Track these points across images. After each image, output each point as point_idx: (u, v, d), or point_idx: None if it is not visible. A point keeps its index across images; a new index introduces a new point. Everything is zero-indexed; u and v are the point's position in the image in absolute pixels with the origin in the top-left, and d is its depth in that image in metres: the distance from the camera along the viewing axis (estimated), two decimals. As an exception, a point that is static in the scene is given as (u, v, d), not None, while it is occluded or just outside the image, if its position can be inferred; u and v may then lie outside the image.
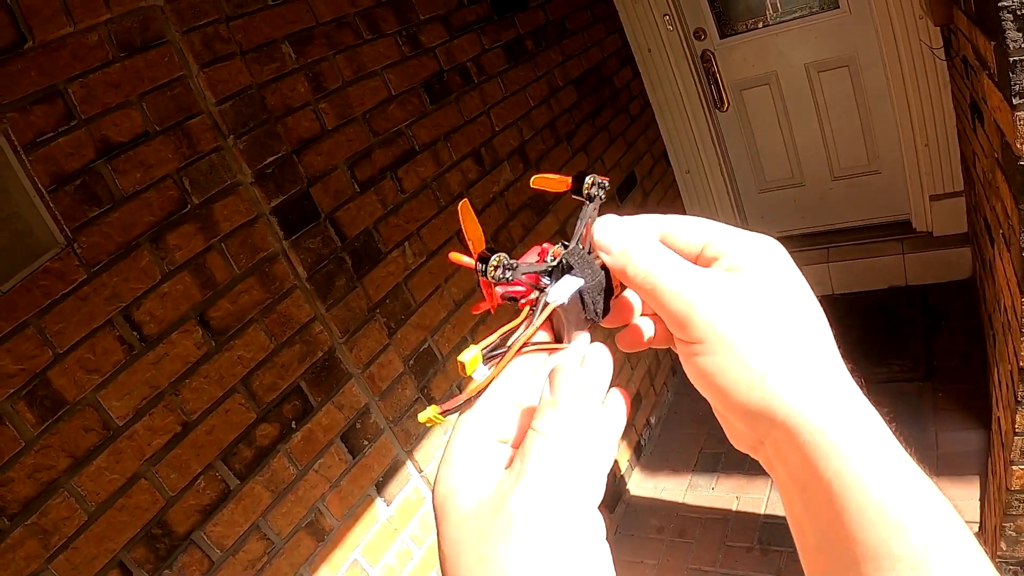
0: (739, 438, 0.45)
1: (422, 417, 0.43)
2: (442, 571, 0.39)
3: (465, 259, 0.45)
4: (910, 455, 0.39)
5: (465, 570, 0.38)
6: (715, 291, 0.41)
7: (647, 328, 0.50)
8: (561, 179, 0.50)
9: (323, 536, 1.95)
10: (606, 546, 0.39)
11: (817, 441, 0.38)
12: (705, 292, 0.41)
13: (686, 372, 0.44)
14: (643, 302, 0.50)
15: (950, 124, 3.55)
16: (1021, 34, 1.44)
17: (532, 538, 0.37)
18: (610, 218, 0.47)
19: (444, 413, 0.43)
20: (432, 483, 0.46)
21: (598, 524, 0.40)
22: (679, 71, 4.14)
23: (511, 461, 0.41)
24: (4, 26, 1.45)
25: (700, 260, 0.44)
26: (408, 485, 2.21)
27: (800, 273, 0.44)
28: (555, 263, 0.47)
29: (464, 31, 2.79)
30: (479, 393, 0.44)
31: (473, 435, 0.43)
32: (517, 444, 0.44)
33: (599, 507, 0.40)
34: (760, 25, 4.00)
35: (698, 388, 0.43)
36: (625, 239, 0.45)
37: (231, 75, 1.87)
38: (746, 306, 0.41)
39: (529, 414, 0.43)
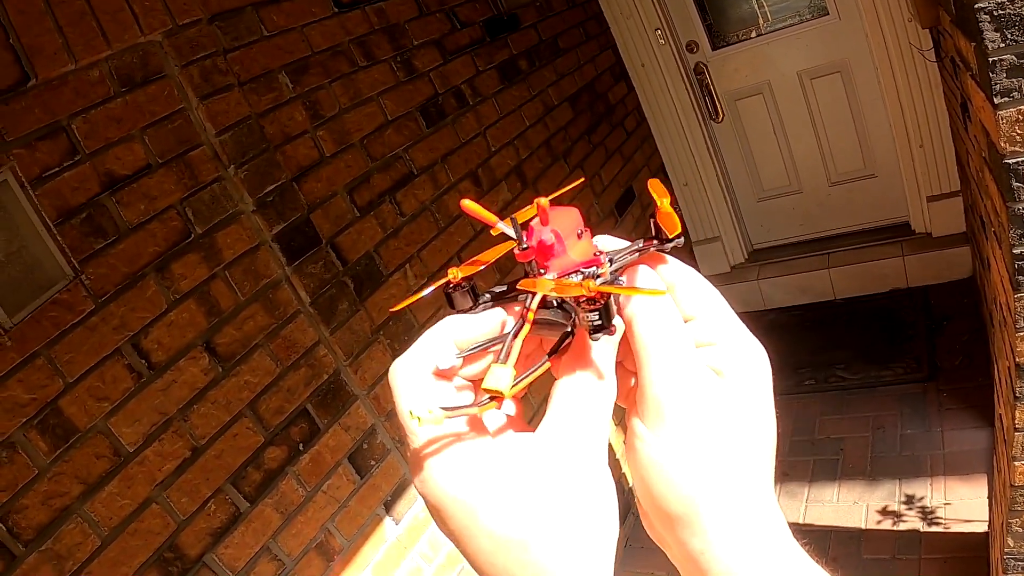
0: (651, 528, 0.44)
1: (419, 416, 0.38)
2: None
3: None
4: None
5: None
6: (693, 396, 0.39)
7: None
8: (489, 218, 0.42)
9: (333, 556, 1.96)
10: None
11: None
12: (685, 393, 0.39)
13: (625, 446, 0.42)
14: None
15: (944, 124, 3.57)
16: (999, 35, 1.47)
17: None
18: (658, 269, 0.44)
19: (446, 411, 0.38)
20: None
21: None
22: (673, 84, 4.18)
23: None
24: (7, 65, 1.50)
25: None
26: (417, 504, 2.23)
27: (771, 392, 0.42)
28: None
29: (458, 54, 2.84)
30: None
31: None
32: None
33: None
34: (752, 35, 4.05)
35: (629, 467, 0.42)
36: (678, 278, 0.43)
37: (230, 106, 1.91)
38: (712, 425, 0.39)
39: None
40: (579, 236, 0.42)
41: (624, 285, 0.42)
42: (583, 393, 0.40)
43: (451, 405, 0.38)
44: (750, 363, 0.41)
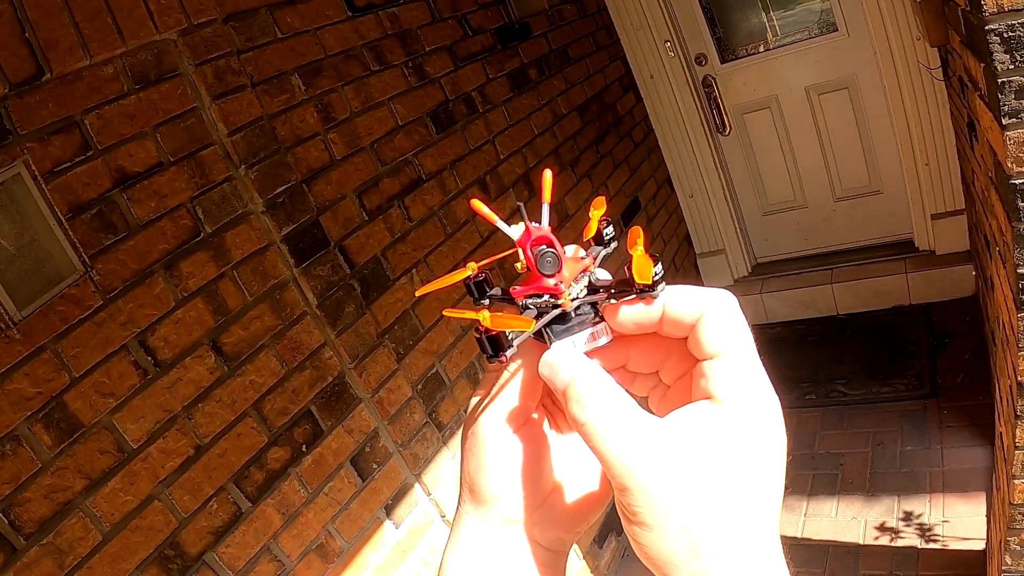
0: None
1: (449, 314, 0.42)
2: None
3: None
4: None
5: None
6: (659, 462, 0.38)
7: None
8: (492, 217, 0.43)
9: (333, 559, 1.96)
10: None
11: None
12: (647, 461, 0.37)
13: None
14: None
15: (950, 143, 3.58)
16: (1009, 56, 1.47)
17: None
18: (564, 343, 0.43)
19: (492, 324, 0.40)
20: (460, 504, 0.47)
21: None
22: (681, 97, 4.20)
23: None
24: (23, 59, 1.51)
25: (692, 337, 0.42)
26: (417, 508, 2.23)
27: (782, 449, 0.40)
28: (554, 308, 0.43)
29: (469, 61, 2.85)
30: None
31: None
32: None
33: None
34: (760, 49, 4.07)
35: (628, 538, 0.41)
36: (574, 370, 0.41)
37: (242, 107, 1.92)
38: (692, 485, 0.37)
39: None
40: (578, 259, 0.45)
41: (582, 327, 0.43)
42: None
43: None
44: (764, 426, 0.40)
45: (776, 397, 0.40)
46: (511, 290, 0.44)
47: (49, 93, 1.55)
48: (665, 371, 0.47)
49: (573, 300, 0.43)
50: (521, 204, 0.43)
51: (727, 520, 0.37)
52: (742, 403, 0.39)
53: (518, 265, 0.44)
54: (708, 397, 0.40)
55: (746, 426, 0.39)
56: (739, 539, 0.37)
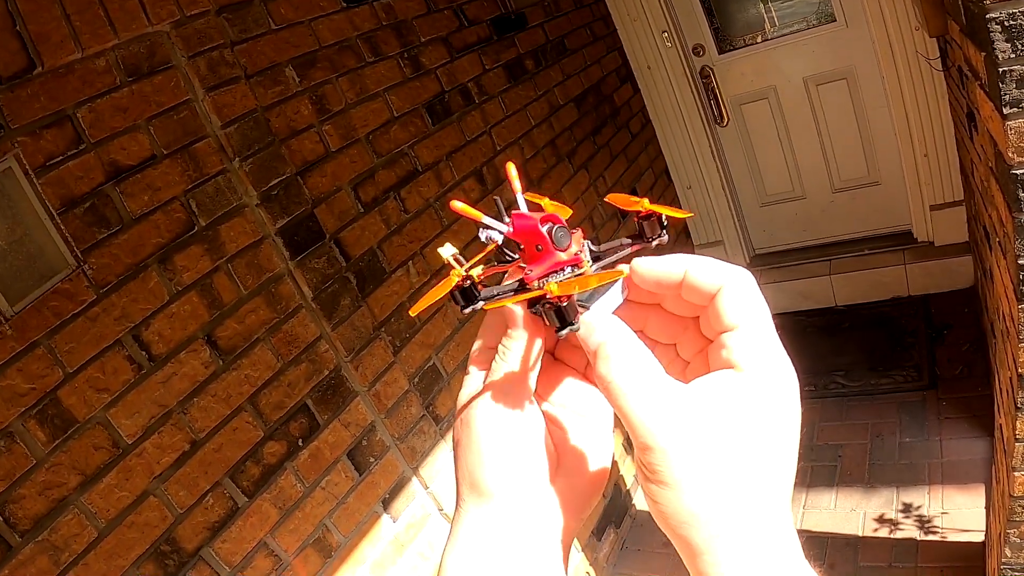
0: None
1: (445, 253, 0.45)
2: None
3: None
4: None
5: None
6: (681, 423, 0.39)
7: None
8: (477, 215, 0.45)
9: (330, 553, 1.96)
10: None
11: None
12: (670, 421, 0.39)
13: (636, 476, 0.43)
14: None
15: (948, 134, 3.57)
16: (1009, 45, 1.46)
17: None
18: (599, 306, 0.44)
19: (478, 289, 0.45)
20: (459, 498, 0.47)
21: None
22: (679, 87, 4.18)
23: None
24: (14, 52, 1.49)
25: (711, 309, 0.43)
26: (415, 502, 2.22)
27: (798, 418, 0.42)
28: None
29: (465, 52, 2.84)
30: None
31: None
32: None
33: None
34: (758, 40, 4.04)
35: (644, 497, 0.42)
36: (608, 332, 0.42)
37: (236, 99, 1.91)
38: (712, 448, 0.38)
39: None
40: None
41: (603, 291, 0.44)
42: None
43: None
44: (780, 392, 0.41)
45: (793, 368, 0.42)
46: (525, 277, 0.45)
47: (41, 87, 1.53)
48: (683, 345, 0.47)
49: (591, 266, 0.45)
50: (497, 199, 0.45)
51: (745, 484, 0.38)
52: (762, 372, 0.41)
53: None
54: (728, 366, 0.41)
55: (766, 393, 0.40)
56: (756, 504, 0.38)
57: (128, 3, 1.70)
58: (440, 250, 0.44)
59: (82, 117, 1.60)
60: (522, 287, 0.45)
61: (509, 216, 0.45)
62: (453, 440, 0.48)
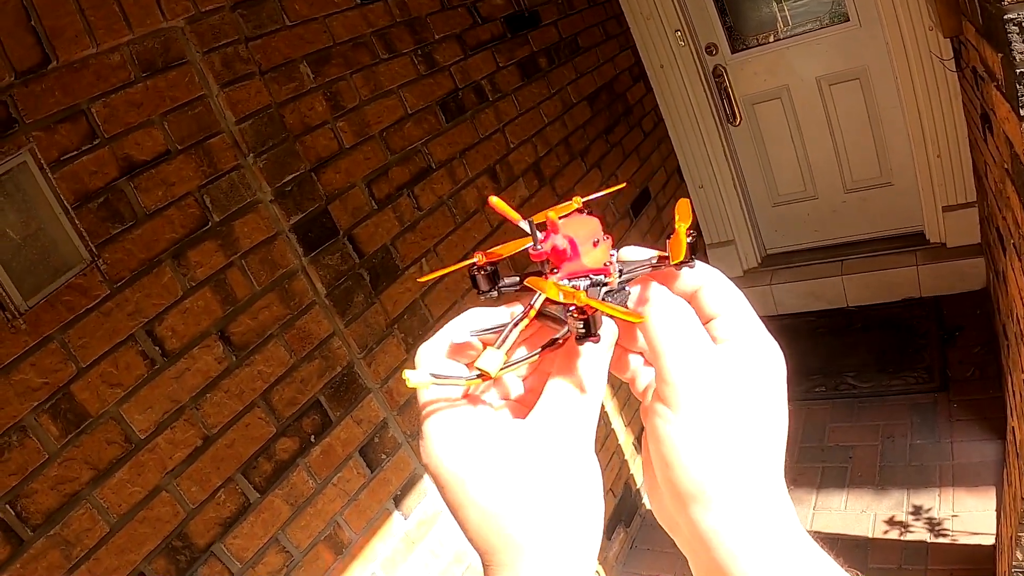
0: (661, 512, 0.46)
1: (409, 377, 0.40)
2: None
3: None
4: None
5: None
6: (710, 381, 0.41)
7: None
8: (513, 215, 0.46)
9: (341, 550, 1.96)
10: None
11: (727, 565, 0.39)
12: (702, 378, 0.41)
13: (645, 427, 0.44)
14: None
15: (962, 135, 3.55)
16: (1029, 45, 1.45)
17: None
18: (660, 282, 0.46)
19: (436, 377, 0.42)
20: None
21: None
22: (691, 86, 4.16)
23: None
24: (29, 47, 1.49)
25: (694, 304, 0.45)
26: (426, 499, 2.22)
27: (785, 388, 0.44)
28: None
29: (478, 49, 2.83)
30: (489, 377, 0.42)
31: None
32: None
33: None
34: (771, 39, 4.03)
35: (650, 445, 0.43)
36: (664, 294, 0.44)
37: (251, 95, 1.91)
38: (728, 410, 0.40)
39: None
40: (595, 244, 0.46)
41: (620, 300, 0.45)
42: (570, 388, 0.43)
43: (443, 374, 0.43)
44: (766, 359, 0.43)
45: (777, 345, 0.44)
46: (547, 275, 0.45)
47: (55, 81, 1.53)
48: None
49: (618, 278, 0.46)
50: (530, 220, 0.45)
51: (746, 437, 0.41)
52: (749, 344, 0.43)
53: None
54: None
55: (756, 362, 0.43)
56: (754, 457, 0.41)
57: (144, -2, 1.70)
58: (407, 374, 0.41)
59: (96, 112, 1.60)
60: (531, 275, 0.45)
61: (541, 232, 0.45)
62: (446, 492, 0.43)
